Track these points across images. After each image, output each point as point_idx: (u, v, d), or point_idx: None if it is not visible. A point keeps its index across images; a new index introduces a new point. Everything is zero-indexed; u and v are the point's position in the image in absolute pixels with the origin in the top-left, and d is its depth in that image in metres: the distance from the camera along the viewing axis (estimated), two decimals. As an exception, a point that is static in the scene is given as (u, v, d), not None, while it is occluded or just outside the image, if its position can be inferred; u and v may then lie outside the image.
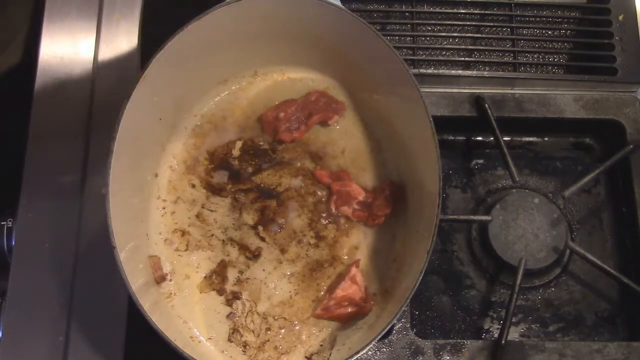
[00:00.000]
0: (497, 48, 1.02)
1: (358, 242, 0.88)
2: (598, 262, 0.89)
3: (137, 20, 1.00)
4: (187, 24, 0.77)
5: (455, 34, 1.03)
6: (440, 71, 1.00)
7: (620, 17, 1.02)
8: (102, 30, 1.00)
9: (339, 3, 0.81)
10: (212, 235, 0.88)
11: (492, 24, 1.04)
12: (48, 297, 0.88)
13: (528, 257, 0.89)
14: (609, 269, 0.89)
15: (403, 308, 0.73)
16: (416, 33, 1.02)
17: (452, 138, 1.00)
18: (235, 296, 0.86)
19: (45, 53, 0.98)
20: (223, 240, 0.88)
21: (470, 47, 1.02)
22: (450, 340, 0.86)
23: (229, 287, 0.86)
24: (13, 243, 0.90)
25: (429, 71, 0.99)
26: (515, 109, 0.97)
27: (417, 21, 1.02)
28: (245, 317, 0.85)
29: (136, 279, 0.76)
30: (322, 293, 0.86)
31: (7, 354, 0.86)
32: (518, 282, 0.87)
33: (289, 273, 0.87)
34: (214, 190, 0.89)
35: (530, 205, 0.92)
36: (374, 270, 0.87)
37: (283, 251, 0.88)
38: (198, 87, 0.90)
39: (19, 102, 0.99)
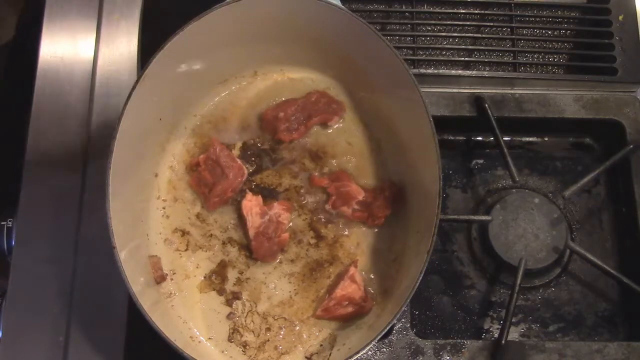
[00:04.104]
0: (497, 48, 1.02)
1: (358, 242, 0.88)
2: (598, 262, 0.89)
3: (137, 20, 1.00)
4: (187, 24, 0.77)
5: (455, 34, 1.03)
6: (440, 71, 1.00)
7: (620, 17, 1.02)
8: (102, 30, 1.00)
9: (339, 3, 0.81)
10: (212, 235, 0.88)
11: (492, 24, 1.04)
12: (48, 297, 0.88)
13: (528, 257, 0.89)
14: (609, 269, 0.89)
15: (403, 308, 0.73)
16: (416, 33, 1.02)
17: (452, 138, 1.00)
18: (235, 296, 0.86)
19: (45, 53, 0.98)
20: (223, 240, 0.88)
21: (470, 47, 1.02)
22: (450, 340, 0.86)
23: (229, 287, 0.86)
24: (13, 243, 0.90)
25: (429, 71, 0.99)
26: (515, 109, 0.97)
27: (417, 21, 1.02)
28: (245, 317, 0.85)
29: (136, 279, 0.76)
30: (322, 293, 0.86)
31: (7, 354, 0.86)
32: (518, 282, 0.87)
33: (289, 273, 0.87)
34: (214, 190, 0.89)
35: (530, 205, 0.92)
36: (374, 270, 0.87)
37: (283, 251, 0.87)
38: (198, 87, 0.90)
39: (19, 102, 0.99)
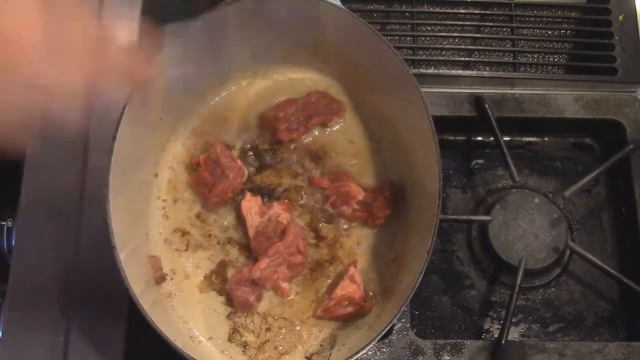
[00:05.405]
0: (497, 48, 1.02)
1: (358, 242, 0.88)
2: (598, 262, 0.89)
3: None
4: (187, 24, 0.77)
5: (455, 34, 1.03)
6: (440, 71, 1.00)
7: (620, 17, 1.03)
8: (102, 30, 1.00)
9: (339, 3, 0.81)
10: (212, 235, 0.88)
11: (492, 24, 1.04)
12: (48, 297, 0.88)
13: (528, 257, 0.89)
14: (609, 269, 0.89)
15: (403, 308, 0.73)
16: (416, 33, 1.02)
17: (452, 138, 1.00)
18: (235, 296, 0.86)
19: (45, 53, 0.98)
20: (223, 241, 0.88)
21: (470, 47, 1.02)
22: (450, 340, 0.86)
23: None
24: (13, 243, 0.90)
25: (429, 71, 0.99)
26: (515, 109, 0.97)
27: (417, 21, 1.02)
28: (245, 317, 0.85)
29: (136, 279, 0.76)
30: (322, 293, 0.86)
31: (7, 354, 0.86)
32: (518, 282, 0.87)
33: (289, 273, 0.87)
34: (214, 190, 0.89)
35: (530, 205, 0.92)
36: (374, 270, 0.87)
37: (283, 251, 0.88)
38: (198, 87, 0.90)
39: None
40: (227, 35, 0.84)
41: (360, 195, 0.87)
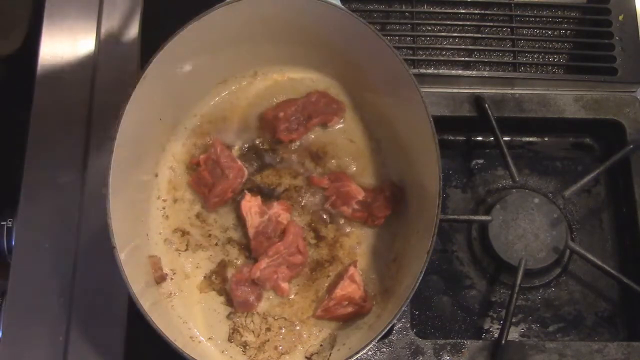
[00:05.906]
0: (497, 48, 1.02)
1: (358, 242, 0.88)
2: (598, 262, 0.89)
3: (137, 20, 1.00)
4: (187, 24, 0.77)
5: (455, 34, 1.03)
6: (440, 71, 1.00)
7: (620, 17, 1.03)
8: (102, 30, 1.00)
9: (339, 3, 0.81)
10: (212, 235, 0.88)
11: (492, 24, 1.04)
12: (48, 297, 0.88)
13: (528, 257, 0.89)
14: (609, 269, 0.89)
15: (403, 308, 0.73)
16: (416, 33, 1.02)
17: (452, 138, 1.00)
18: (235, 296, 0.86)
19: (45, 53, 0.98)
20: (223, 241, 0.88)
21: (470, 47, 1.02)
22: (450, 340, 0.86)
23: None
24: (13, 243, 0.90)
25: (429, 71, 0.99)
26: (515, 109, 0.97)
27: (417, 21, 1.02)
28: (245, 317, 0.85)
29: (136, 279, 0.76)
30: (322, 293, 0.86)
31: (7, 354, 0.86)
32: (518, 282, 0.87)
33: (289, 273, 0.87)
34: (214, 190, 0.89)
35: (530, 205, 0.92)
36: (374, 270, 0.87)
37: (283, 251, 0.88)
38: (198, 87, 0.90)
39: (19, 102, 0.99)
40: (226, 36, 0.84)
41: (360, 195, 0.87)
